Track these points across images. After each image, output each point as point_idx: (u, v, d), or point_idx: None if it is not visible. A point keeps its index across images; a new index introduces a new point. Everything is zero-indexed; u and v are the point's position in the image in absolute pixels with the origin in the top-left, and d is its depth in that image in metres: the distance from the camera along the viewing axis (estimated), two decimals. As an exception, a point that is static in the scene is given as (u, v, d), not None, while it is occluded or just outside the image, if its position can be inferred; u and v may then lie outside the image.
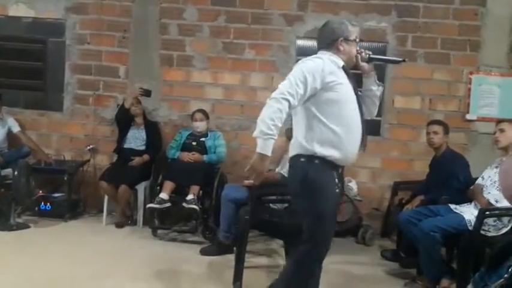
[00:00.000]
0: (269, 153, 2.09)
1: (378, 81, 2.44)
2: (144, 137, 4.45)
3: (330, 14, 4.52)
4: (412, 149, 4.50)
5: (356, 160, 2.39)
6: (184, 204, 3.89)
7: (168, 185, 3.98)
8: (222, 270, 3.28)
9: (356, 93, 2.30)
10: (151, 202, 3.96)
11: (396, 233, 3.82)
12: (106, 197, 4.29)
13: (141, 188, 4.29)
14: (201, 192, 4.03)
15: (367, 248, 4.08)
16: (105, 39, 4.73)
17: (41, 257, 3.12)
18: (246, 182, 3.55)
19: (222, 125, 4.70)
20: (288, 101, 2.10)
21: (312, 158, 2.19)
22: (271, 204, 3.49)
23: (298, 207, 2.29)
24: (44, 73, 4.87)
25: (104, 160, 4.67)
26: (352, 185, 4.28)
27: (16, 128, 4.56)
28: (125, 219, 4.30)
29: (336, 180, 2.25)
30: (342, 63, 2.30)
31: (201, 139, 4.32)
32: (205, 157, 4.22)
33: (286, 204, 3.43)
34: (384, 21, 4.50)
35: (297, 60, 4.63)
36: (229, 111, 4.72)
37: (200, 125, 4.32)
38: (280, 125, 2.08)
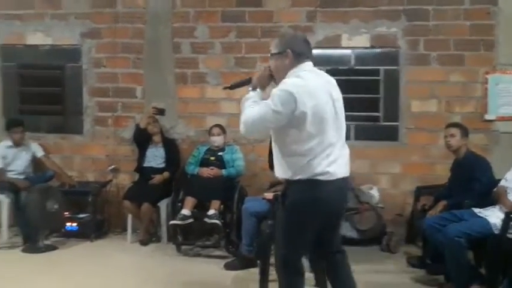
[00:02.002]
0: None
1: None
2: (163, 154, 4.52)
3: (339, 23, 4.57)
4: (432, 153, 4.46)
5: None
6: (206, 220, 3.92)
7: (190, 201, 4.03)
8: (246, 284, 3.30)
9: None
10: (173, 219, 4.01)
11: (421, 239, 3.78)
12: (130, 216, 4.37)
13: (163, 205, 4.35)
14: (222, 206, 4.06)
15: (392, 255, 4.04)
16: (121, 61, 4.85)
17: (68, 277, 3.18)
18: (266, 194, 3.57)
19: (238, 139, 4.73)
20: None
21: None
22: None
23: None
24: (63, 98, 5.01)
25: (125, 179, 4.75)
26: (374, 192, 4.27)
27: (40, 153, 4.69)
28: (149, 236, 4.37)
29: None
30: None
31: (219, 153, 4.37)
32: (224, 171, 4.26)
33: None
34: (394, 26, 4.51)
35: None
36: (245, 124, 4.76)
37: (217, 140, 4.37)
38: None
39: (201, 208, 4.07)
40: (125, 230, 4.41)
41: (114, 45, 4.85)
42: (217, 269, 3.64)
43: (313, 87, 2.15)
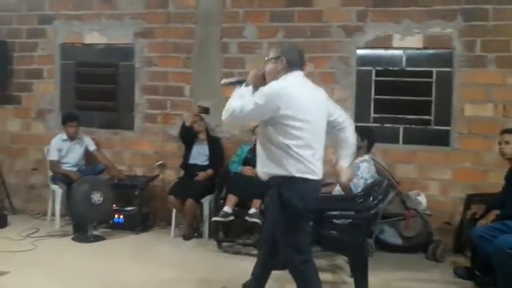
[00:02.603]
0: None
1: None
2: (207, 152, 4.60)
3: (390, 22, 4.45)
4: (486, 160, 4.24)
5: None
6: (247, 218, 3.96)
7: (232, 199, 4.07)
8: (283, 284, 3.27)
9: None
10: (216, 215, 4.07)
11: (470, 249, 3.60)
12: (174, 210, 4.48)
13: (206, 201, 4.42)
14: (263, 206, 4.07)
15: (438, 264, 3.87)
16: (171, 60, 4.98)
17: (115, 266, 3.32)
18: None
19: (283, 139, 4.73)
20: None
21: None
22: (334, 220, 3.44)
23: None
24: (116, 95, 5.21)
25: (171, 175, 4.88)
26: (421, 199, 4.11)
27: (92, 147, 4.91)
28: (191, 231, 4.45)
29: None
30: None
31: (263, 153, 4.37)
32: (267, 171, 4.26)
33: (349, 220, 3.38)
34: (449, 27, 4.32)
35: (358, 71, 4.65)
36: (290, 124, 4.75)
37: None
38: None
39: (242, 206, 4.10)
40: (169, 224, 4.53)
41: (165, 44, 4.99)
42: (257, 268, 3.64)
43: (298, 93, 2.39)
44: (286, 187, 2.37)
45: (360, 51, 4.62)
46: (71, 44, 5.27)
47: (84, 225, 4.31)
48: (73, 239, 4.27)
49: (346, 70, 4.63)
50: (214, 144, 4.66)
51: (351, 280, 3.15)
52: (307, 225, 2.50)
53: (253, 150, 4.41)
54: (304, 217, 2.45)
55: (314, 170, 2.40)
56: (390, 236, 4.07)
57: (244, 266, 3.68)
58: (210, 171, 4.51)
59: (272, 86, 2.40)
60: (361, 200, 3.28)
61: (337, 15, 4.60)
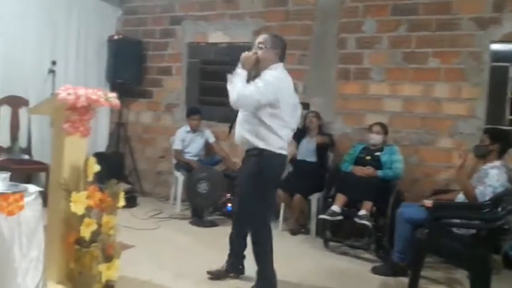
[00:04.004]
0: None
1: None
2: (315, 148, 4.54)
3: (535, 11, 3.88)
4: None
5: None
6: (356, 219, 3.82)
7: (340, 198, 3.97)
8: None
9: None
10: (323, 213, 4.01)
11: None
12: (282, 205, 4.53)
13: (315, 198, 4.39)
14: (374, 208, 3.90)
15: None
16: (287, 57, 5.00)
17: (223, 250, 3.44)
18: (426, 202, 3.30)
19: (400, 139, 4.47)
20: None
21: None
22: (455, 229, 3.14)
23: None
24: (235, 91, 5.46)
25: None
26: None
27: (212, 139, 5.22)
28: (298, 227, 4.47)
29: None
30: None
31: (376, 153, 4.19)
32: (379, 172, 4.07)
33: (473, 231, 3.05)
34: None
35: (492, 67, 4.16)
36: (408, 124, 4.48)
37: (376, 138, 4.20)
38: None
39: (352, 207, 3.97)
40: (277, 217, 4.60)
41: (282, 41, 5.06)
42: (364, 271, 3.51)
43: (287, 84, 2.86)
44: (266, 159, 2.77)
45: (494, 46, 4.13)
46: (197, 43, 5.66)
47: (200, 211, 4.62)
48: (190, 222, 4.60)
49: (477, 66, 4.20)
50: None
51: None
52: (272, 197, 3.12)
53: (367, 149, 4.26)
54: (273, 188, 3.06)
55: (286, 148, 2.87)
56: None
57: (350, 268, 3.58)
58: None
59: (275, 79, 2.75)
60: (487, 209, 2.94)
61: (469, 6, 4.19)
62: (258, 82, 2.74)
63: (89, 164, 2.68)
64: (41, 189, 2.40)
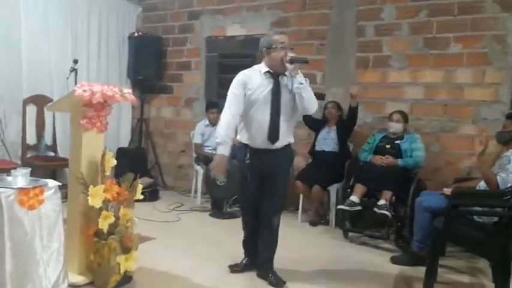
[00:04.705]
0: (225, 154, 2.85)
1: (301, 80, 2.79)
2: (335, 137, 4.49)
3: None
4: None
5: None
6: (375, 209, 3.78)
7: (359, 188, 3.93)
8: (411, 282, 3.06)
9: (273, 94, 2.86)
10: (342, 204, 3.98)
11: None
12: (301, 196, 4.53)
13: (334, 189, 4.36)
14: (394, 198, 3.84)
15: None
16: (305, 47, 4.97)
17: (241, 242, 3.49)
18: (446, 190, 3.24)
19: (421, 127, 4.38)
20: (228, 111, 2.89)
21: None
22: (476, 217, 3.06)
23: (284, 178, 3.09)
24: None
25: (300, 161, 4.90)
26: None
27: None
28: (318, 218, 4.46)
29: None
30: (265, 69, 2.91)
31: (396, 142, 4.11)
32: (400, 161, 4.00)
33: (494, 219, 2.97)
34: None
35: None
36: (430, 111, 4.38)
37: (395, 126, 4.13)
38: (228, 132, 2.84)
39: (372, 197, 3.93)
40: (297, 209, 4.60)
41: (299, 32, 5.02)
42: (383, 261, 3.48)
43: None
44: (292, 151, 3.13)
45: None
46: (215, 37, 5.68)
47: (220, 204, 4.67)
48: (210, 214, 4.67)
49: (502, 50, 4.06)
50: (343, 128, 4.50)
51: (492, 285, 2.78)
52: None
53: (387, 138, 4.18)
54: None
55: None
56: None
57: (370, 258, 3.55)
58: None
59: None
60: (508, 196, 2.84)
61: (493, -13, 4.03)
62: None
63: (106, 158, 2.76)
64: (59, 183, 2.49)
